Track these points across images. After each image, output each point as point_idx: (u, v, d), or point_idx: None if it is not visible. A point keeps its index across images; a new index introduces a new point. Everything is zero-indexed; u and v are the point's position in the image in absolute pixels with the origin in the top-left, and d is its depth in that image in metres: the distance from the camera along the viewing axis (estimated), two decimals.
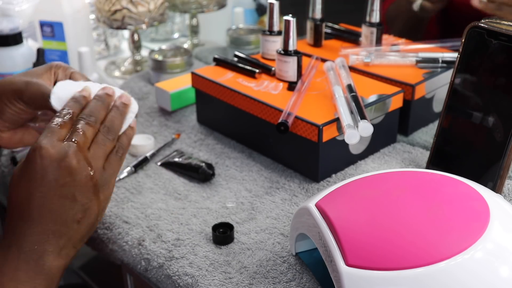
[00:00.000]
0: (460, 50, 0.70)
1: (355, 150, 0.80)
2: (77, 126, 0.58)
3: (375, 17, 0.95)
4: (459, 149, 0.72)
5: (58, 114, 0.59)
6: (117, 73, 1.21)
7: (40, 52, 1.02)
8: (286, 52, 0.85)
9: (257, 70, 0.88)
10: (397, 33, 1.02)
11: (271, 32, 0.93)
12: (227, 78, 0.88)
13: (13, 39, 0.97)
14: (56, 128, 0.57)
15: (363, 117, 0.73)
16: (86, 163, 0.57)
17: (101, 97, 0.62)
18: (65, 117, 0.59)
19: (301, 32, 0.93)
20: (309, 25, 1.01)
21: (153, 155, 0.86)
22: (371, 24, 0.95)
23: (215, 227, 0.68)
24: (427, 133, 0.88)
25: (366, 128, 0.71)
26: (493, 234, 0.50)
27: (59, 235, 0.55)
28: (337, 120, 0.75)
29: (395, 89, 0.83)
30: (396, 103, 0.82)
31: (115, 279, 0.77)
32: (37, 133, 0.68)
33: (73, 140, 0.56)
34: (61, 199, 0.55)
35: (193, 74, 0.91)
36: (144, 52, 1.24)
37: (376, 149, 0.84)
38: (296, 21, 0.84)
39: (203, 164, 0.80)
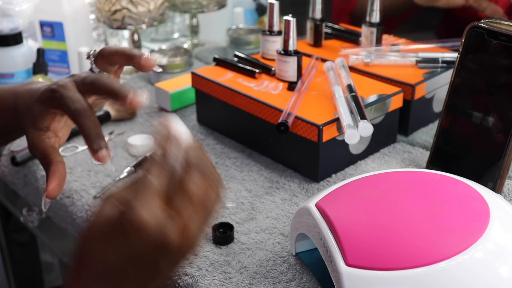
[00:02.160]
0: (460, 50, 0.70)
1: (355, 150, 0.80)
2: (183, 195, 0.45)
3: (375, 17, 0.95)
4: (459, 149, 0.72)
5: (145, 165, 0.47)
6: None
7: (40, 52, 1.02)
8: (286, 52, 0.85)
9: (257, 70, 0.88)
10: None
11: (271, 32, 0.93)
12: (227, 78, 0.88)
13: (13, 39, 0.97)
14: (154, 192, 0.46)
15: (363, 117, 0.73)
16: (189, 243, 0.44)
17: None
18: (161, 176, 0.46)
19: (301, 32, 0.93)
20: (309, 25, 1.01)
21: None
22: (371, 24, 0.95)
23: (215, 227, 0.68)
24: (427, 133, 0.88)
25: (366, 128, 0.71)
26: (493, 234, 0.50)
27: None
28: (337, 120, 0.75)
29: (395, 89, 0.83)
30: (396, 103, 0.82)
31: None
32: None
33: (177, 211, 0.44)
34: (143, 272, 0.44)
35: (193, 74, 0.91)
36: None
37: (376, 149, 0.83)
38: (296, 21, 0.84)
39: None
